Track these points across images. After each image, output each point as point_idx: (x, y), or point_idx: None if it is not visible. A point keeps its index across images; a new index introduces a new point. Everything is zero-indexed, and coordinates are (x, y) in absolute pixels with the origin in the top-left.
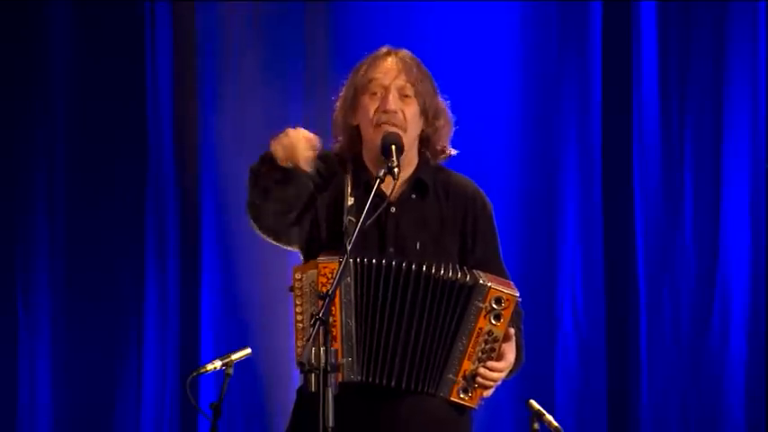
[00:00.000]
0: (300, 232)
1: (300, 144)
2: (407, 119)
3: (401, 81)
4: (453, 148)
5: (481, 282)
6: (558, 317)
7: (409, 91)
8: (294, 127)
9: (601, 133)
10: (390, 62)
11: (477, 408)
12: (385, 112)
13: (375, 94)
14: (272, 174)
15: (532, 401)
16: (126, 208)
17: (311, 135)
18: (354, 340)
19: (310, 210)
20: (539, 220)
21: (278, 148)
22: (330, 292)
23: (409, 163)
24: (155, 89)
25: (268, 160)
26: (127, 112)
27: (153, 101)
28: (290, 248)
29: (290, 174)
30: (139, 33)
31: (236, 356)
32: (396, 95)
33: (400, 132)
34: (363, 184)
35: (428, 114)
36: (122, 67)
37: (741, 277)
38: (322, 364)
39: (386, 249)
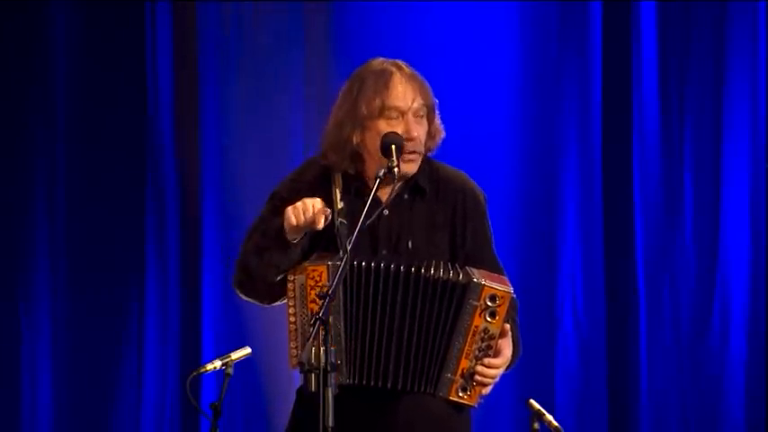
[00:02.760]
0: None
1: (319, 215)
2: (422, 141)
3: (417, 105)
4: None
5: (475, 280)
6: (558, 317)
7: (422, 112)
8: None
9: (601, 133)
10: (402, 84)
11: (476, 406)
12: (409, 140)
13: (392, 119)
14: (279, 251)
15: (532, 401)
16: (126, 208)
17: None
18: (344, 344)
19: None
20: (539, 220)
21: (294, 215)
22: (330, 291)
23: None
24: (155, 89)
25: (276, 234)
26: (127, 112)
27: (153, 101)
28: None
29: (294, 248)
30: (139, 33)
31: (236, 356)
32: (413, 120)
33: (417, 154)
34: (354, 190)
35: (432, 129)
36: (122, 67)
37: (741, 277)
38: (322, 364)
39: (378, 252)
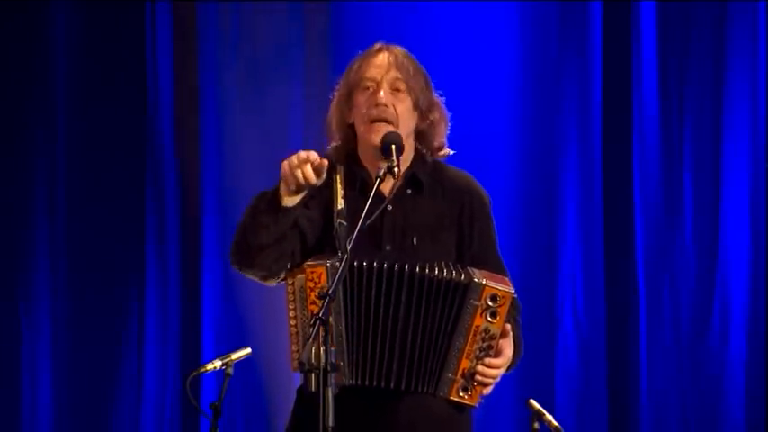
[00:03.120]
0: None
1: (312, 153)
2: (399, 114)
3: (392, 76)
4: (453, 147)
5: (476, 280)
6: (558, 317)
7: (401, 86)
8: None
9: (601, 133)
10: (382, 58)
11: (476, 406)
12: (376, 105)
13: (367, 89)
14: (271, 213)
15: (532, 401)
16: (126, 208)
17: (315, 157)
18: (345, 344)
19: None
20: (539, 220)
21: (287, 162)
22: (330, 291)
23: (405, 159)
24: (155, 89)
25: (270, 200)
26: (127, 112)
27: (153, 101)
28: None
29: (286, 212)
30: (139, 33)
31: (236, 356)
32: (387, 90)
33: (387, 123)
34: (359, 182)
35: (421, 109)
36: (122, 67)
37: (741, 277)
38: (322, 364)
39: (382, 248)
